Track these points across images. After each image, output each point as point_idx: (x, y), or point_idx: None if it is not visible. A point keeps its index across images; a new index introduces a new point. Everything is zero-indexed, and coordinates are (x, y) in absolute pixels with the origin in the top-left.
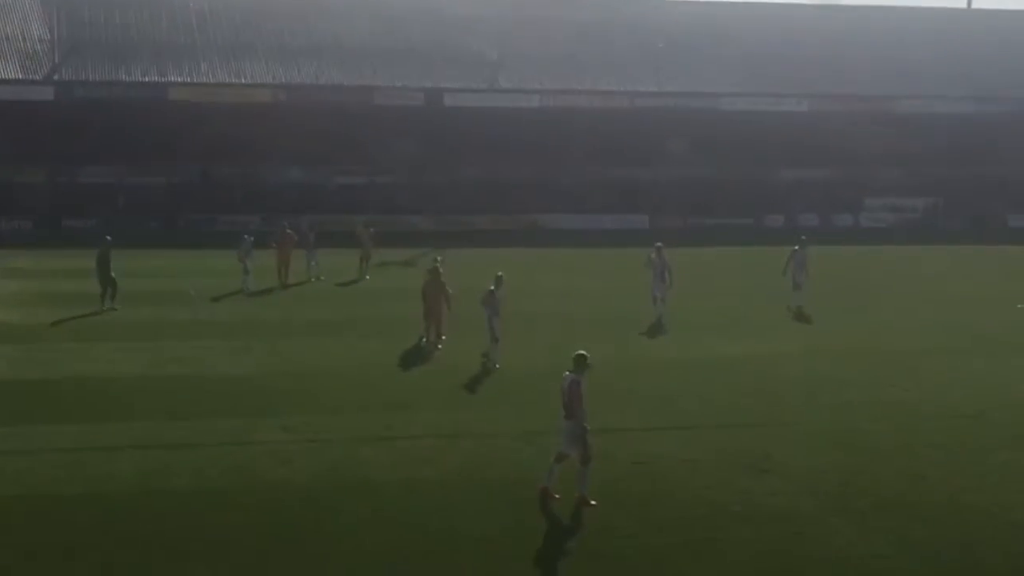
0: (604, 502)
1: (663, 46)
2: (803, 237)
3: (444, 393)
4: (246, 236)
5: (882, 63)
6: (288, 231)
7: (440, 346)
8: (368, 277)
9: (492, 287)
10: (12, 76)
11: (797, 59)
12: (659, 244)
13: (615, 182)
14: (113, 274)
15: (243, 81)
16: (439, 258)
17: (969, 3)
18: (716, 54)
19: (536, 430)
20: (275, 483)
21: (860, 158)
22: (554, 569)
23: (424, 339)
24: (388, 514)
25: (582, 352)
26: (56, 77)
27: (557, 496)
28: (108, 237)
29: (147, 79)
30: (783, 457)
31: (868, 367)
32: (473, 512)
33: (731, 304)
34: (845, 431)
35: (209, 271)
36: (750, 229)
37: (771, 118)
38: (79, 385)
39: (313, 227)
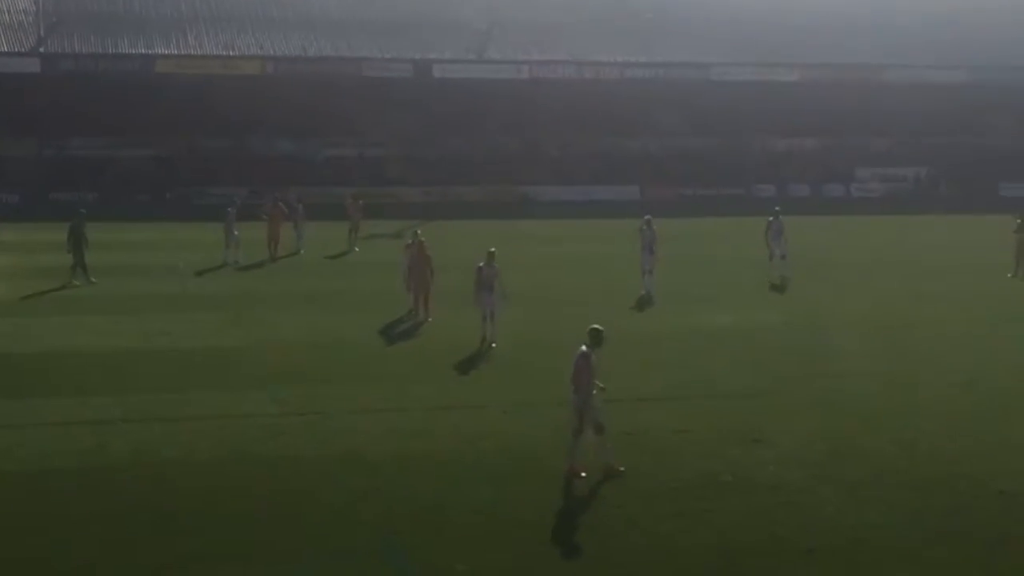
0: (594, 473)
1: (651, 16)
2: (776, 208)
3: (434, 366)
4: (229, 208)
5: (873, 32)
6: (279, 204)
7: (430, 319)
8: (357, 249)
9: (481, 263)
10: None
11: (787, 28)
12: (648, 216)
13: (605, 153)
14: (88, 244)
15: (231, 53)
16: (419, 231)
17: None
18: (706, 24)
19: (525, 401)
20: (267, 456)
21: (851, 128)
22: (544, 539)
23: (411, 311)
24: (381, 486)
25: (597, 326)
26: (42, 49)
27: (583, 475)
28: (82, 210)
29: (134, 51)
30: (773, 427)
31: (858, 337)
32: (464, 483)
33: (721, 275)
34: (835, 401)
35: (197, 244)
36: (741, 199)
37: (761, 88)
38: (68, 358)
39: (301, 199)
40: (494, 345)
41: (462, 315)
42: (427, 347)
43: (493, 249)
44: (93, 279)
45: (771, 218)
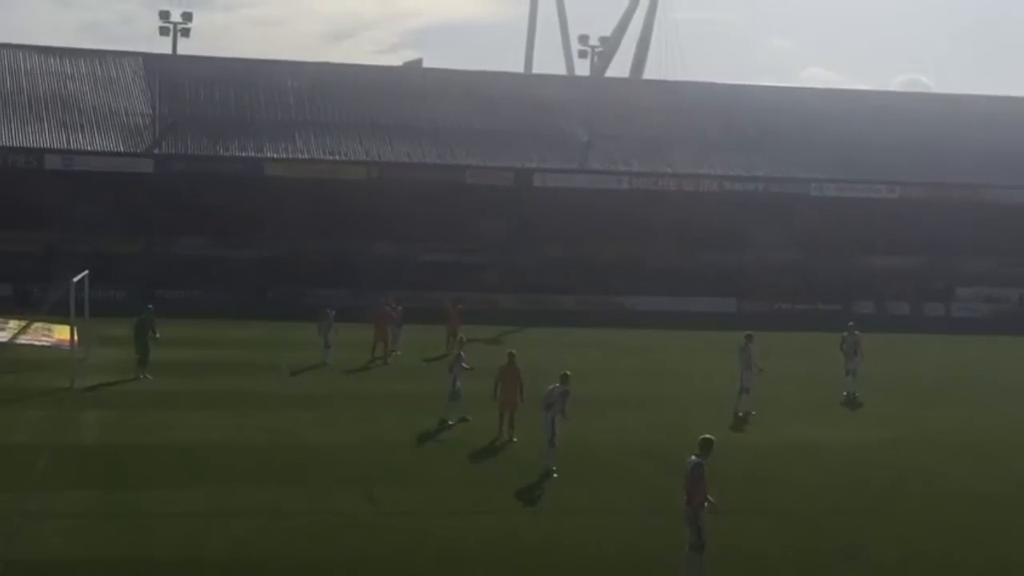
0: None
1: (753, 131)
2: (851, 323)
3: (528, 468)
4: (328, 310)
5: (973, 151)
6: (387, 307)
7: (514, 439)
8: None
9: (557, 384)
10: (114, 149)
11: (888, 146)
12: (749, 333)
13: (702, 265)
14: (157, 337)
15: (337, 158)
16: (513, 351)
17: None
18: (806, 140)
19: (619, 508)
20: (360, 554)
21: (952, 246)
22: None
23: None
24: None
25: (708, 436)
26: (156, 151)
27: None
28: (149, 306)
29: (244, 154)
30: (872, 544)
31: (957, 458)
32: None
33: (817, 390)
34: (935, 519)
35: (296, 343)
36: (839, 315)
37: (861, 205)
38: (169, 451)
39: (400, 302)
40: (555, 474)
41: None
42: (521, 450)
43: (568, 372)
44: (149, 375)
45: (845, 333)
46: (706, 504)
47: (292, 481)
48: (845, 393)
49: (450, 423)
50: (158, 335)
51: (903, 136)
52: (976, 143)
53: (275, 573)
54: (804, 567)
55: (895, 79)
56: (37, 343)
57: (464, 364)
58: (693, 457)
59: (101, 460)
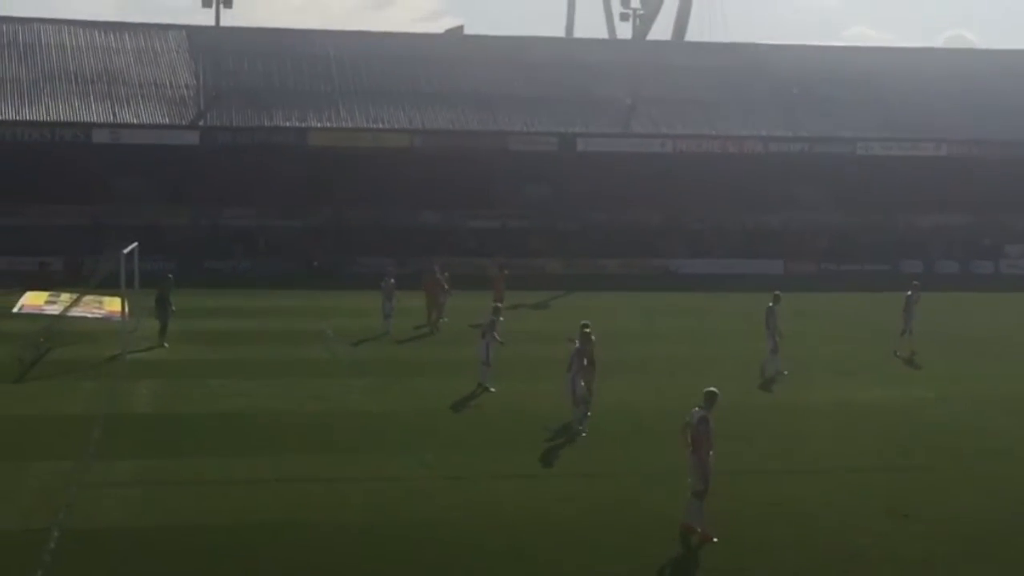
0: (741, 545)
1: (797, 91)
2: (915, 282)
3: (573, 435)
4: (388, 277)
5: (1019, 106)
6: (437, 275)
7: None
8: (501, 319)
9: (578, 342)
10: (160, 121)
11: (933, 104)
12: (777, 293)
13: (747, 227)
14: (173, 308)
15: (380, 126)
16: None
17: None
18: (851, 99)
19: (672, 470)
20: (414, 519)
21: (1000, 203)
22: None
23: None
24: (526, 551)
25: (712, 389)
26: (201, 123)
27: (715, 539)
28: (170, 275)
29: (288, 124)
30: (921, 502)
31: (1006, 415)
32: (608, 551)
33: (865, 349)
34: (986, 478)
35: (344, 311)
36: (886, 275)
37: (908, 163)
38: (222, 419)
39: (445, 269)
40: (584, 433)
41: (612, 383)
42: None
43: (588, 327)
44: (167, 344)
45: (910, 292)
46: (712, 453)
47: (345, 447)
48: (900, 353)
49: (491, 389)
50: (174, 308)
51: (948, 93)
52: (1022, 98)
53: (330, 538)
54: (852, 525)
55: (939, 36)
56: (89, 315)
57: (497, 336)
58: (697, 409)
59: (155, 429)
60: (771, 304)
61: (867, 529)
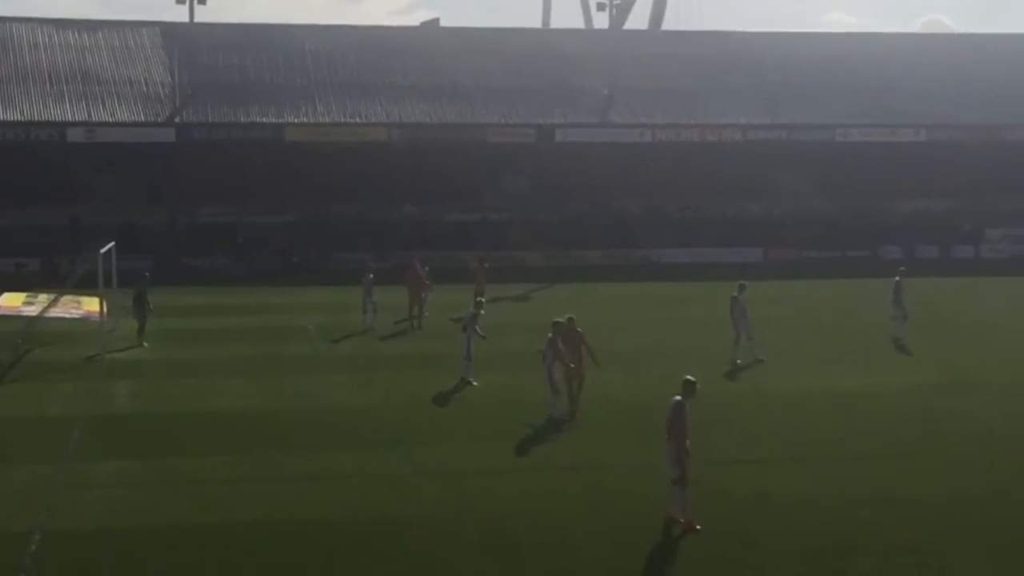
0: (727, 536)
1: (776, 78)
2: (901, 268)
3: (562, 426)
4: (367, 273)
5: (997, 91)
6: (419, 270)
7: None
8: (483, 312)
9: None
10: (136, 119)
11: (912, 89)
12: (742, 283)
13: (729, 216)
14: (151, 307)
15: (357, 120)
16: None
17: None
18: (830, 85)
19: (656, 461)
20: (399, 514)
21: (979, 188)
22: None
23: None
24: (511, 545)
25: (690, 377)
26: (177, 120)
27: (699, 527)
28: (147, 274)
29: (264, 120)
30: (905, 489)
31: (987, 401)
32: (593, 543)
33: (845, 337)
34: (969, 463)
35: (323, 307)
36: (867, 261)
37: (887, 149)
38: (204, 418)
39: (425, 264)
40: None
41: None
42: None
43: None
44: (146, 343)
45: (897, 278)
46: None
47: (328, 444)
48: (901, 337)
49: (474, 383)
50: (151, 307)
51: (926, 78)
52: (1000, 83)
53: (317, 535)
54: (838, 514)
55: (916, 21)
56: (67, 316)
57: (479, 330)
58: (676, 397)
59: (136, 429)
60: (735, 294)
61: (853, 516)
